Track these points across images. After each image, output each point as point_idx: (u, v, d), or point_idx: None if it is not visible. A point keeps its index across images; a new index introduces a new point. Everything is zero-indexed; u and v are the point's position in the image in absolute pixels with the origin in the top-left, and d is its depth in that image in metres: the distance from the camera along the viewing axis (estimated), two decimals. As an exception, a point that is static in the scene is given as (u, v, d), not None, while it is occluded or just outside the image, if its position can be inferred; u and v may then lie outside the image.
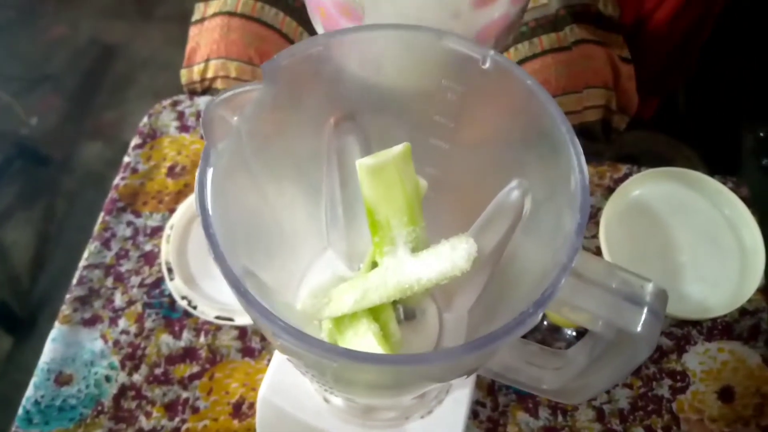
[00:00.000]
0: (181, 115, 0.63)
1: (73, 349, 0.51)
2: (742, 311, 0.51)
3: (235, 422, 0.48)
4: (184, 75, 0.70)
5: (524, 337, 0.24)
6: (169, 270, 0.53)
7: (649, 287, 0.24)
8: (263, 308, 0.21)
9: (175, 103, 0.64)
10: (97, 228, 0.57)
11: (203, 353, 0.51)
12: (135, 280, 0.54)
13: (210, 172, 0.24)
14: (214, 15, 0.68)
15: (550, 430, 0.47)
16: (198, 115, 0.64)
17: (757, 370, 0.49)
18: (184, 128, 0.63)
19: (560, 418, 0.48)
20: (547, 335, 0.51)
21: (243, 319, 0.51)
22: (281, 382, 0.39)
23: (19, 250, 1.23)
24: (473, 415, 0.47)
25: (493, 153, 0.31)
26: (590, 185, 0.24)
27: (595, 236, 0.52)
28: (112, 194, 0.59)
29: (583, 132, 0.67)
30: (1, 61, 1.53)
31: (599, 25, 0.68)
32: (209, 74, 0.68)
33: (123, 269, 0.55)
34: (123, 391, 0.49)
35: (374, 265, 0.29)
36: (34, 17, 1.60)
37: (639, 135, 0.86)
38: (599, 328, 0.25)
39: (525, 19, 0.66)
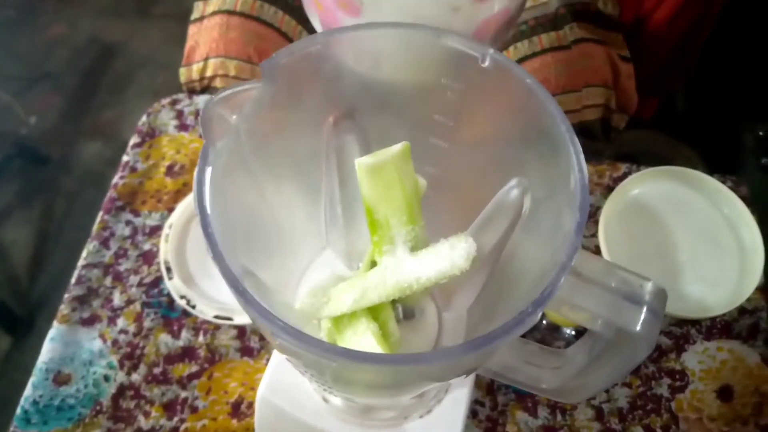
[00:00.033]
0: (180, 114, 0.63)
1: (71, 349, 0.51)
2: (741, 310, 0.51)
3: (234, 422, 0.48)
4: (182, 74, 0.70)
5: (523, 336, 0.24)
6: (168, 269, 0.53)
7: (649, 286, 0.24)
8: (262, 308, 0.21)
9: (173, 102, 0.64)
10: (95, 227, 0.57)
11: (202, 353, 0.51)
12: (134, 279, 0.54)
13: (208, 171, 0.24)
14: (213, 13, 0.68)
15: (549, 429, 0.47)
16: (197, 113, 0.63)
17: (756, 369, 0.49)
18: (183, 127, 0.63)
19: (559, 417, 0.48)
20: (547, 334, 0.51)
21: (242, 318, 0.51)
22: (280, 382, 0.39)
23: (18, 250, 1.23)
24: (472, 414, 0.47)
25: (492, 152, 0.31)
26: (589, 184, 0.24)
27: (594, 235, 0.52)
28: (111, 193, 0.59)
29: (583, 131, 0.67)
30: (1, 60, 1.53)
31: (599, 24, 0.68)
32: (208, 73, 0.68)
33: (122, 268, 0.55)
34: (122, 390, 0.49)
35: (373, 264, 0.29)
36: (34, 16, 1.60)
37: (638, 134, 0.86)
38: (598, 327, 0.25)
39: (525, 18, 0.66)
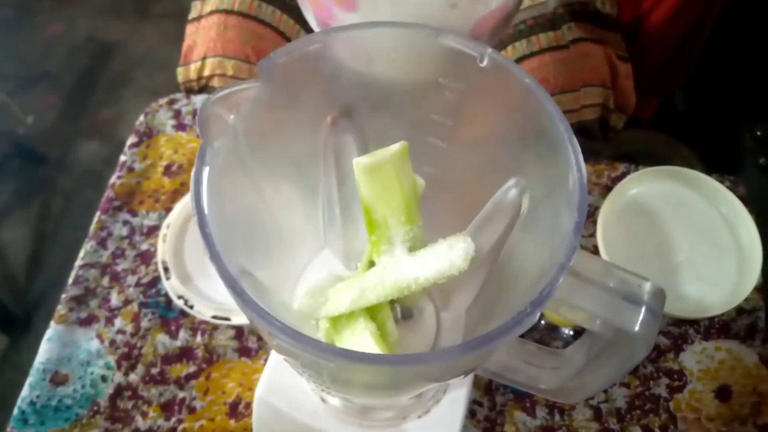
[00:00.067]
0: (177, 114, 0.63)
1: (68, 349, 0.51)
2: (740, 310, 0.51)
3: (232, 422, 0.48)
4: (180, 73, 0.70)
5: (522, 336, 0.23)
6: (166, 269, 0.53)
7: (647, 286, 0.24)
8: (259, 308, 0.21)
9: (171, 102, 0.64)
10: (93, 227, 0.57)
11: (200, 353, 0.50)
12: (131, 279, 0.54)
13: (206, 170, 0.24)
14: (211, 13, 0.68)
15: (548, 429, 0.47)
16: (195, 113, 0.63)
17: (754, 369, 0.49)
18: (180, 127, 0.62)
19: (557, 417, 0.47)
20: (545, 334, 0.51)
21: (240, 318, 0.51)
22: (278, 382, 0.39)
23: (15, 249, 1.23)
24: (471, 414, 0.47)
25: (491, 151, 0.31)
26: (588, 184, 0.24)
27: (593, 235, 0.52)
28: (108, 193, 0.58)
29: (581, 130, 0.67)
30: (-2, 59, 1.52)
31: (597, 24, 0.68)
32: (206, 72, 0.68)
33: (119, 268, 0.54)
34: (119, 391, 0.49)
35: (371, 264, 0.29)
36: (31, 15, 1.59)
37: (637, 134, 0.86)
38: (597, 327, 0.25)
39: (523, 18, 0.66)
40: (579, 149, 0.24)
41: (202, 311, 0.51)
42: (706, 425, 0.47)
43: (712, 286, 0.48)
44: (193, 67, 0.68)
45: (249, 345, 0.51)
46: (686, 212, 0.52)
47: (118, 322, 0.52)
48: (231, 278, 0.22)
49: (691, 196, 0.52)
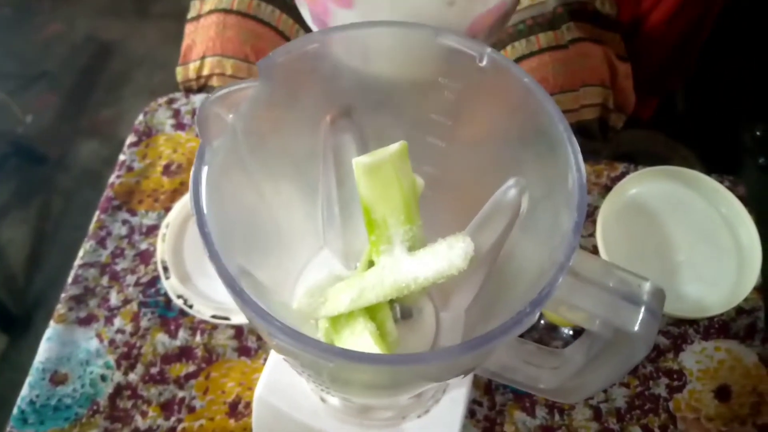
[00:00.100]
0: (176, 113, 0.63)
1: (68, 349, 0.50)
2: (739, 310, 0.51)
3: (232, 422, 0.48)
4: (179, 72, 0.70)
5: (521, 336, 0.23)
6: (165, 269, 0.53)
7: (647, 286, 0.24)
8: (259, 308, 0.21)
9: (170, 101, 0.64)
10: (92, 226, 0.57)
11: (199, 352, 0.50)
12: (130, 279, 0.54)
13: (205, 170, 0.24)
14: (210, 12, 0.68)
15: (547, 429, 0.47)
16: (194, 112, 0.63)
17: (754, 369, 0.49)
18: (179, 126, 0.62)
19: (557, 417, 0.47)
20: (545, 334, 0.51)
21: (239, 318, 0.51)
22: (278, 382, 0.39)
23: (14, 249, 1.23)
24: (470, 414, 0.47)
25: (490, 151, 0.31)
26: (587, 183, 0.24)
27: (592, 235, 0.52)
28: (108, 192, 0.58)
29: (580, 130, 0.67)
30: (-3, 58, 1.52)
31: (596, 24, 0.68)
32: (205, 72, 0.68)
33: (118, 268, 0.54)
34: (119, 390, 0.49)
35: (371, 263, 0.29)
36: (30, 15, 1.59)
37: (636, 134, 0.86)
38: (596, 327, 0.25)
39: (522, 17, 0.66)
40: (578, 149, 0.24)
41: (202, 311, 0.51)
42: (706, 425, 0.47)
43: (712, 286, 0.48)
44: (192, 67, 0.68)
45: (248, 344, 0.51)
46: (686, 212, 0.52)
47: (118, 322, 0.52)
48: (230, 278, 0.22)
49: (691, 196, 0.52)
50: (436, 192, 0.31)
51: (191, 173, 0.23)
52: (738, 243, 0.50)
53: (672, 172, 0.52)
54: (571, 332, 0.50)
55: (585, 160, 0.24)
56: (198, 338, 0.51)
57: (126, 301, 0.53)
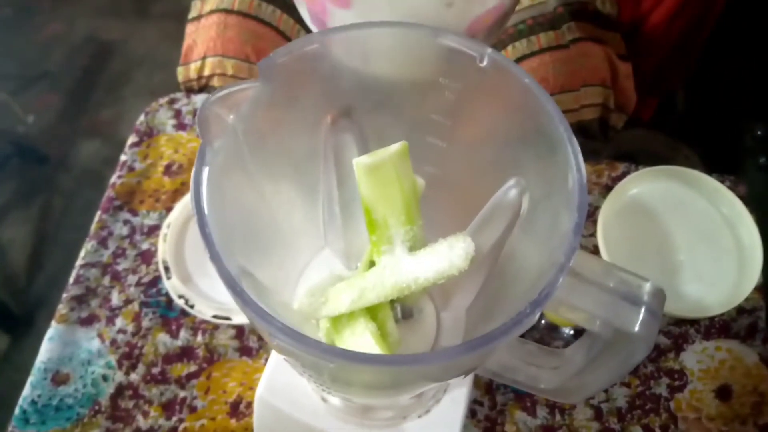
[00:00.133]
0: (177, 113, 0.63)
1: (70, 349, 0.51)
2: (740, 310, 0.51)
3: (233, 422, 0.48)
4: (180, 73, 0.70)
5: (522, 335, 0.23)
6: (166, 269, 0.53)
7: (647, 287, 0.24)
8: (259, 308, 0.21)
9: (171, 101, 0.64)
10: (93, 227, 0.57)
11: (200, 352, 0.50)
12: (132, 279, 0.54)
13: (206, 171, 0.24)
14: (211, 12, 0.68)
15: (548, 428, 0.47)
16: (195, 113, 0.63)
17: (755, 369, 0.49)
18: (180, 126, 0.62)
19: (558, 416, 0.48)
20: (545, 334, 0.51)
21: (240, 318, 0.51)
22: (279, 382, 0.39)
23: (16, 249, 1.23)
24: (471, 414, 0.47)
25: (490, 151, 0.31)
26: (588, 183, 0.24)
27: (593, 234, 0.52)
28: (109, 193, 0.58)
29: (581, 130, 0.67)
30: (-2, 59, 1.52)
31: (597, 23, 0.68)
32: (206, 72, 0.68)
33: (120, 268, 0.54)
34: (120, 390, 0.49)
35: (372, 264, 0.29)
36: (31, 15, 1.59)
37: (637, 134, 0.86)
38: (597, 327, 0.25)
39: (523, 17, 0.66)
40: (579, 149, 0.24)
41: (203, 311, 0.51)
42: (707, 425, 0.47)
43: (713, 285, 0.48)
44: (193, 67, 0.68)
45: (250, 344, 0.51)
46: (686, 212, 0.52)
47: (119, 322, 0.52)
48: (231, 278, 0.22)
49: (692, 196, 0.52)
50: (437, 192, 0.31)
51: (192, 174, 0.23)
52: (739, 243, 0.50)
53: (673, 171, 0.52)
54: (571, 332, 0.50)
55: (585, 159, 0.24)
56: (199, 338, 0.51)
57: (127, 301, 0.53)
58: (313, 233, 0.36)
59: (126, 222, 0.57)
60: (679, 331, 0.51)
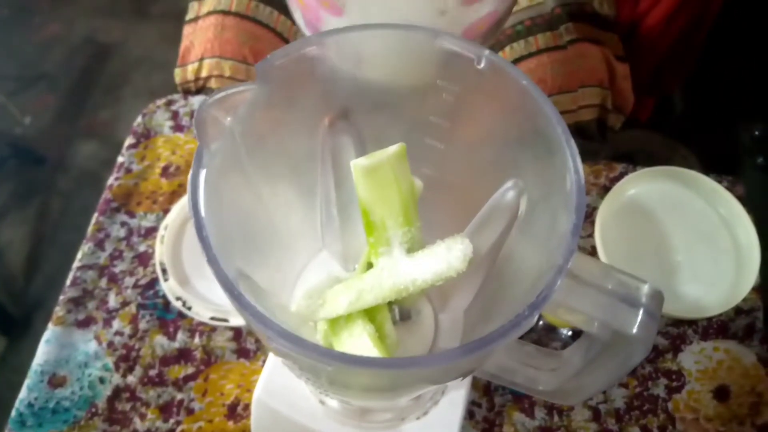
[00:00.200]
0: (175, 115, 0.63)
1: (66, 351, 0.50)
2: (738, 310, 0.51)
3: (230, 424, 0.47)
4: (178, 74, 0.70)
5: (520, 337, 0.23)
6: (164, 271, 0.53)
7: (645, 288, 0.24)
8: (257, 311, 0.21)
9: (169, 103, 0.64)
10: (90, 228, 0.56)
11: (198, 354, 0.50)
12: (129, 281, 0.54)
13: (203, 173, 0.24)
14: (208, 14, 0.68)
15: (546, 430, 0.47)
16: (192, 114, 0.63)
17: (753, 369, 0.49)
18: (178, 128, 0.62)
19: (556, 418, 0.47)
20: (543, 335, 0.51)
21: (238, 320, 0.51)
22: (276, 384, 0.39)
23: (13, 250, 1.23)
24: (469, 415, 0.47)
25: (488, 153, 0.31)
26: (585, 184, 0.24)
27: (591, 235, 0.52)
28: (106, 194, 0.58)
29: (579, 131, 0.67)
30: (-5, 59, 1.52)
31: (595, 24, 0.68)
32: (203, 73, 0.67)
33: (117, 270, 0.54)
34: (117, 392, 0.49)
35: (369, 265, 0.29)
36: (28, 15, 1.59)
37: (634, 134, 0.86)
38: (595, 329, 0.25)
39: (521, 18, 0.66)
40: (576, 151, 0.24)
41: (200, 313, 0.51)
42: (705, 425, 0.47)
43: (710, 286, 0.49)
44: (191, 68, 0.68)
45: (247, 346, 0.51)
46: (684, 212, 0.52)
47: (116, 324, 0.52)
48: (228, 281, 0.22)
49: (689, 196, 0.52)
50: (435, 194, 0.31)
51: (189, 176, 0.23)
52: (736, 243, 0.50)
53: (670, 172, 0.53)
54: (569, 333, 0.50)
55: (583, 160, 0.24)
56: (197, 340, 0.51)
57: (124, 303, 0.53)
58: (310, 235, 0.36)
59: (123, 224, 0.57)
60: (677, 331, 0.51)
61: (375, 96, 0.31)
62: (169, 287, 0.52)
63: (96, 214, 0.57)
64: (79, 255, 0.55)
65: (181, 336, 0.51)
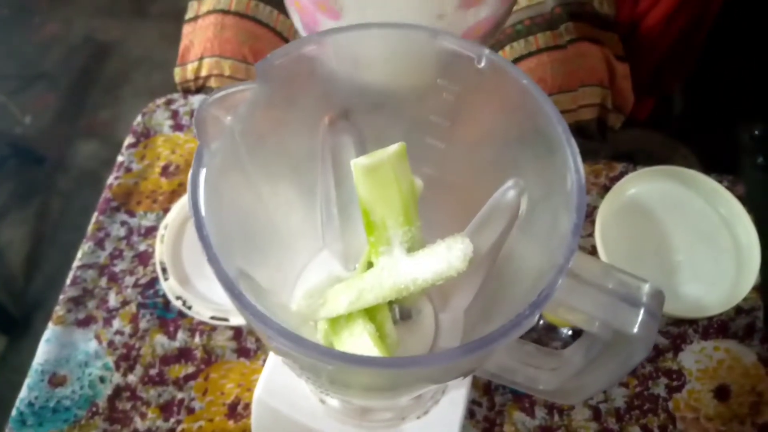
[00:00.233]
0: (175, 114, 0.63)
1: (67, 350, 0.50)
2: (738, 310, 0.51)
3: (231, 423, 0.47)
4: (177, 73, 0.70)
5: (520, 337, 0.23)
6: (164, 270, 0.53)
7: (646, 288, 0.24)
8: (257, 311, 0.21)
9: (168, 102, 0.64)
10: (90, 228, 0.56)
11: (198, 354, 0.50)
12: (129, 280, 0.54)
13: (203, 172, 0.24)
14: (208, 13, 0.68)
15: (547, 429, 0.47)
16: (192, 113, 0.63)
17: (753, 369, 0.49)
18: (178, 127, 0.62)
19: (556, 417, 0.47)
20: (543, 334, 0.51)
21: (238, 319, 0.51)
22: (277, 383, 0.39)
23: (13, 250, 1.23)
24: (470, 414, 0.47)
25: (489, 152, 0.31)
26: (586, 184, 0.24)
27: (591, 235, 0.52)
28: (106, 194, 0.58)
29: (579, 130, 0.67)
30: (-5, 59, 1.52)
31: (595, 24, 0.68)
32: (203, 73, 0.67)
33: (117, 269, 0.54)
34: (117, 392, 0.49)
35: (370, 265, 0.29)
36: (28, 15, 1.59)
37: (635, 134, 0.86)
38: (596, 328, 0.25)
39: (521, 18, 0.66)
40: (577, 150, 0.24)
41: (201, 312, 0.51)
42: (705, 425, 0.47)
43: (711, 285, 0.49)
44: (191, 68, 0.68)
45: (247, 345, 0.51)
46: (684, 212, 0.52)
47: (117, 323, 0.52)
48: (228, 280, 0.22)
49: (690, 196, 0.52)
50: (435, 193, 0.31)
51: (189, 176, 0.23)
52: (737, 242, 0.50)
53: (671, 171, 0.53)
54: (570, 332, 0.50)
55: (583, 160, 0.24)
56: (197, 339, 0.51)
57: (125, 303, 0.53)
58: (311, 235, 0.36)
59: (123, 223, 0.57)
60: (678, 331, 0.51)
61: (375, 95, 0.31)
62: (170, 286, 0.52)
63: (96, 214, 0.57)
64: (79, 254, 0.55)
65: (181, 335, 0.51)
